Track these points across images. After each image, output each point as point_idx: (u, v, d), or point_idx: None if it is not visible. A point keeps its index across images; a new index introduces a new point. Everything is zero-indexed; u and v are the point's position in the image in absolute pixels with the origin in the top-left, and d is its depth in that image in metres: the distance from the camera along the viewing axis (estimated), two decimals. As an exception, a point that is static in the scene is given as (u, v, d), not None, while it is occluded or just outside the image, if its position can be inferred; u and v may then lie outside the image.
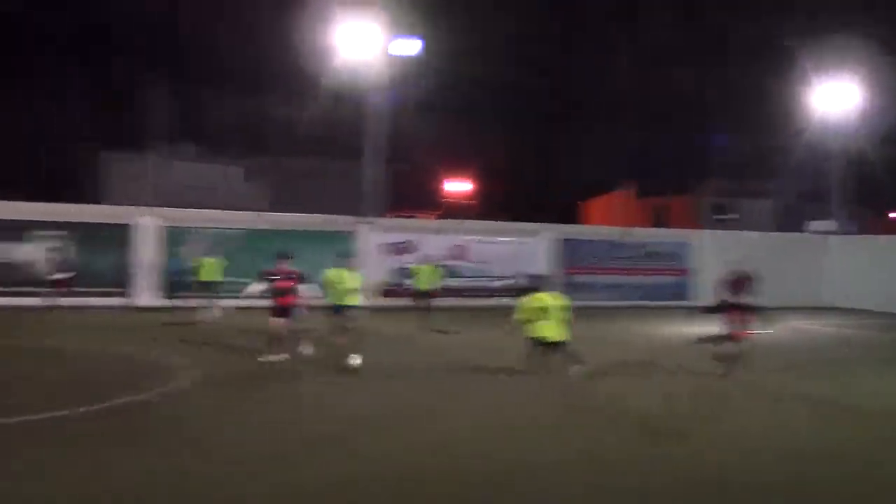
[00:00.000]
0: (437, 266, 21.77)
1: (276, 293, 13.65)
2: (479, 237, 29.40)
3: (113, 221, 25.22)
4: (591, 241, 31.08)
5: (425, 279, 20.73)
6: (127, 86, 42.73)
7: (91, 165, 43.10)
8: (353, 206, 29.49)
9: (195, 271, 21.97)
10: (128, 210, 26.26)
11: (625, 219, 32.46)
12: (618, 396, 11.73)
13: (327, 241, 27.30)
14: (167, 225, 25.60)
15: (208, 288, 21.67)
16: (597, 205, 57.87)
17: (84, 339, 16.25)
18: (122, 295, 24.67)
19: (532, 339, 12.72)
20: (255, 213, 27.85)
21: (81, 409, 9.67)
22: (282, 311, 13.65)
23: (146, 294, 25.02)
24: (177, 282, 24.49)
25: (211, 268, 21.86)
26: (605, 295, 30.01)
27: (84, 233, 24.61)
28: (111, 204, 32.36)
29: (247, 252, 26.21)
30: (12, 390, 11.02)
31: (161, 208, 27.02)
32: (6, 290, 23.60)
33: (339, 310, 13.52)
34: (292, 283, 13.67)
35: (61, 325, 18.82)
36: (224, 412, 10.06)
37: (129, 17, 53.76)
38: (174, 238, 25.57)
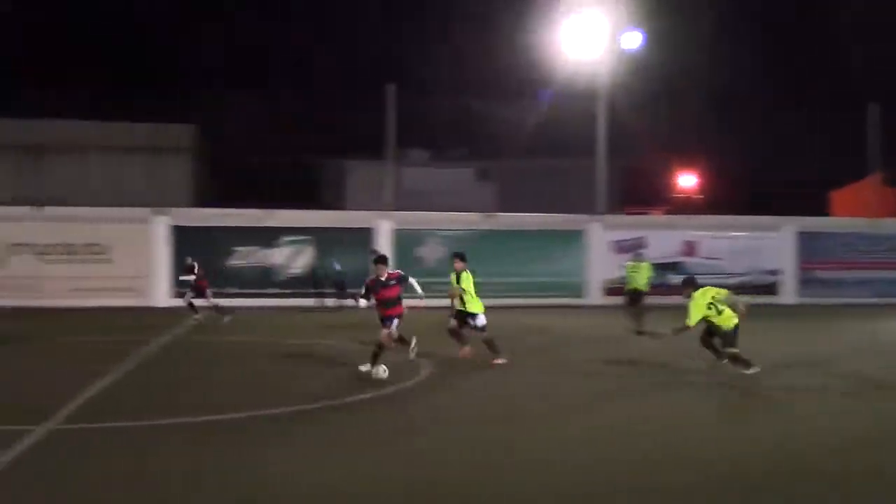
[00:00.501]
0: (652, 264, 20.69)
1: (380, 304, 12.67)
2: (711, 232, 28.51)
3: (356, 226, 26.86)
4: (834, 234, 29.21)
5: (642, 278, 19.29)
6: (362, 94, 45.25)
7: (334, 173, 46.14)
8: (583, 204, 29.55)
9: None
10: (368, 215, 27.85)
11: (875, 209, 30.16)
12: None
13: (558, 240, 27.62)
14: (399, 228, 26.94)
15: None
16: (844, 195, 54.05)
17: (342, 338, 17.43)
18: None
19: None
20: (485, 215, 28.60)
21: (335, 402, 10.58)
22: (383, 321, 12.57)
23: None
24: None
25: None
26: (852, 291, 28.13)
27: (330, 237, 26.36)
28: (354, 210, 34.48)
29: (478, 253, 27.11)
30: (291, 383, 12.18)
31: (395, 212, 28.45)
32: (264, 292, 25.84)
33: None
34: (396, 291, 12.67)
35: (317, 325, 20.29)
36: (461, 405, 10.57)
37: (362, 26, 56.81)
38: (406, 241, 26.83)
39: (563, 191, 39.17)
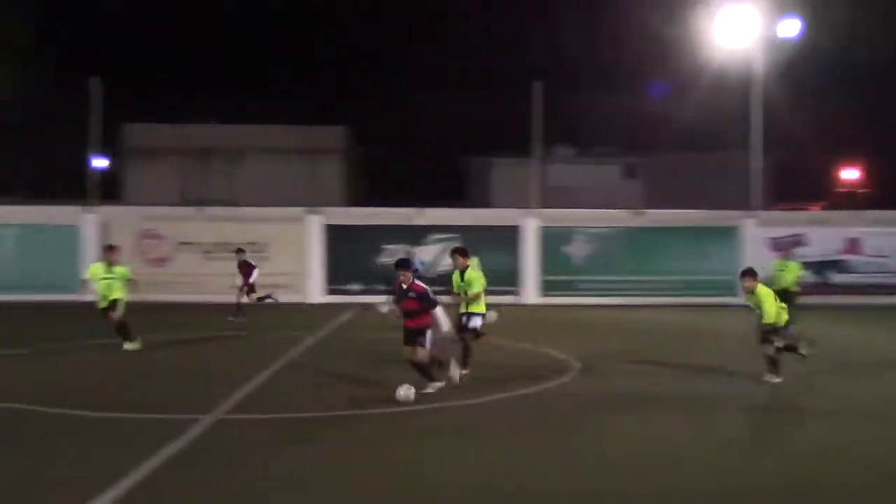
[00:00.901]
0: (801, 263, 19.55)
1: (404, 314, 10.91)
2: (876, 228, 26.92)
3: (503, 224, 26.99)
4: None
5: (790, 277, 18.13)
6: (508, 92, 45.37)
7: (480, 171, 46.54)
8: (735, 200, 28.57)
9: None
10: (515, 212, 27.91)
11: None
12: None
13: (711, 236, 26.82)
14: (545, 225, 26.86)
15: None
16: None
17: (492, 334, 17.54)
18: (513, 293, 26.20)
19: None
20: (634, 211, 28.12)
21: (494, 397, 10.71)
22: (408, 335, 10.82)
23: (532, 292, 26.46)
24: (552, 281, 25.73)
25: None
26: None
27: (476, 235, 26.57)
28: (500, 207, 34.67)
29: (626, 251, 26.77)
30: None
31: (542, 210, 28.36)
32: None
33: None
34: (415, 305, 10.67)
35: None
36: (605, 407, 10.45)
37: (508, 24, 56.94)
38: (552, 238, 26.75)
39: (712, 186, 38.00)
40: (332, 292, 26.44)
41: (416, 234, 26.71)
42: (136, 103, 41.67)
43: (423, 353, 10.68)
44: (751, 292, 11.85)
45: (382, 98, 50.39)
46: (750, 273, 11.99)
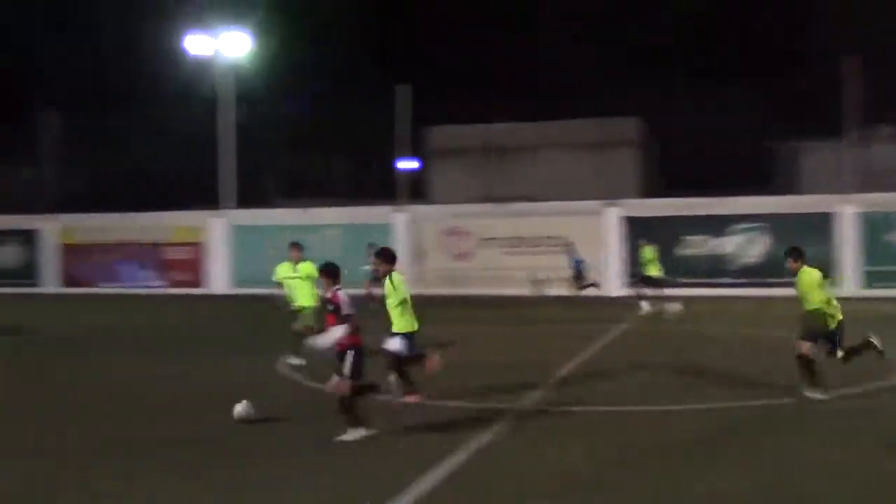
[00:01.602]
0: None
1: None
2: None
3: (813, 211, 25.18)
4: None
5: None
6: (820, 71, 42.23)
7: (786, 157, 43.78)
8: None
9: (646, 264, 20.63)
10: (827, 199, 25.95)
11: None
12: None
13: None
14: (864, 211, 24.66)
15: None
16: None
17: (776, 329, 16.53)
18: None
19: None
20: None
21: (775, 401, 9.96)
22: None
23: (851, 283, 24.39)
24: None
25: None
26: None
27: (784, 223, 24.98)
28: (809, 193, 32.39)
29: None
30: (728, 376, 11.80)
31: (859, 195, 26.10)
32: (716, 281, 25.40)
33: None
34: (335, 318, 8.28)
35: (775, 316, 19.39)
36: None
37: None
38: (874, 226, 24.52)
39: None
40: (631, 285, 26.16)
41: (718, 225, 25.72)
42: (438, 106, 44.03)
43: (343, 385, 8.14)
44: (794, 275, 9.87)
45: (677, 86, 48.94)
46: (792, 252, 9.93)
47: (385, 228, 27.92)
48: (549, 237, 26.90)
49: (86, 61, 47.67)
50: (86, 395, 10.92)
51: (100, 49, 48.47)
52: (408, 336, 9.51)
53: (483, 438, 8.19)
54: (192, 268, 29.91)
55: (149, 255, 30.25)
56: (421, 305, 10.31)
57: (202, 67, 32.68)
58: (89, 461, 7.64)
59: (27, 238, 31.33)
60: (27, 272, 30.63)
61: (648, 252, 20.40)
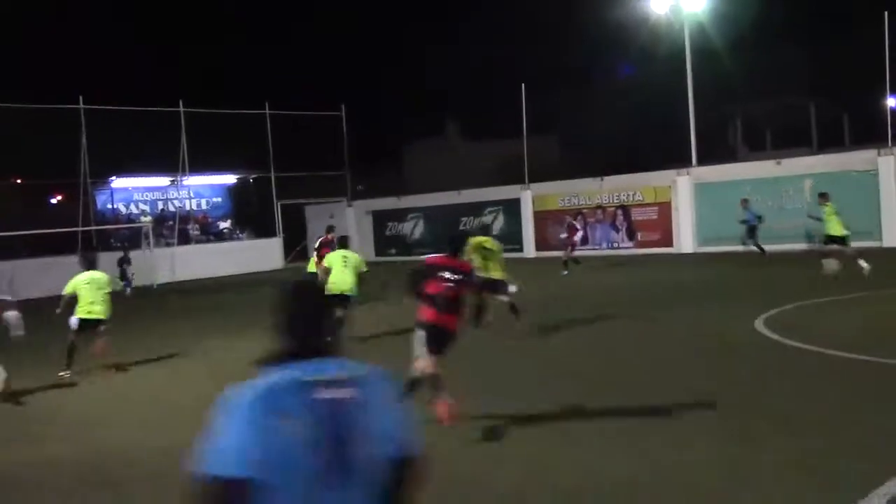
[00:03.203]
0: None
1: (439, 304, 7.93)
2: None
3: None
4: None
5: None
6: None
7: None
8: None
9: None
10: None
11: None
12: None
13: None
14: None
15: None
16: None
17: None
18: None
19: None
20: None
21: None
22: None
23: None
24: None
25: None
26: None
27: None
28: None
29: None
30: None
31: None
32: None
33: None
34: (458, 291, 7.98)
35: None
36: None
37: None
38: None
39: None
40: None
41: None
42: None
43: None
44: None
45: None
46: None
47: (868, 176, 25.29)
48: None
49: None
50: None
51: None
52: None
53: None
54: (661, 228, 30.07)
55: (617, 216, 31.11)
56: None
57: (662, 25, 32.28)
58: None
59: (510, 206, 34.02)
60: (512, 238, 32.61)
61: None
